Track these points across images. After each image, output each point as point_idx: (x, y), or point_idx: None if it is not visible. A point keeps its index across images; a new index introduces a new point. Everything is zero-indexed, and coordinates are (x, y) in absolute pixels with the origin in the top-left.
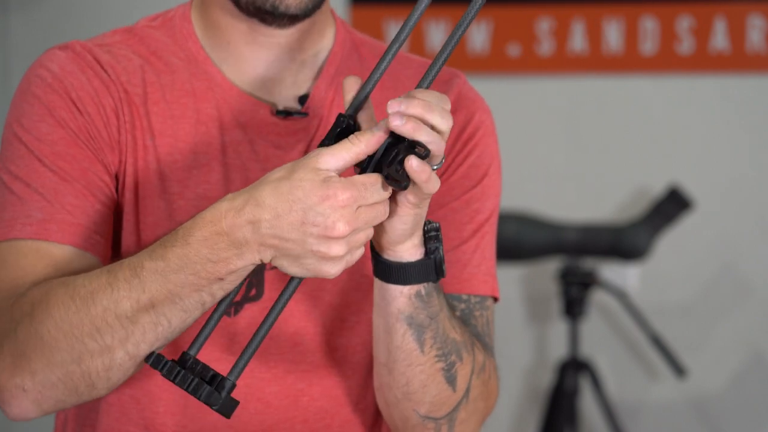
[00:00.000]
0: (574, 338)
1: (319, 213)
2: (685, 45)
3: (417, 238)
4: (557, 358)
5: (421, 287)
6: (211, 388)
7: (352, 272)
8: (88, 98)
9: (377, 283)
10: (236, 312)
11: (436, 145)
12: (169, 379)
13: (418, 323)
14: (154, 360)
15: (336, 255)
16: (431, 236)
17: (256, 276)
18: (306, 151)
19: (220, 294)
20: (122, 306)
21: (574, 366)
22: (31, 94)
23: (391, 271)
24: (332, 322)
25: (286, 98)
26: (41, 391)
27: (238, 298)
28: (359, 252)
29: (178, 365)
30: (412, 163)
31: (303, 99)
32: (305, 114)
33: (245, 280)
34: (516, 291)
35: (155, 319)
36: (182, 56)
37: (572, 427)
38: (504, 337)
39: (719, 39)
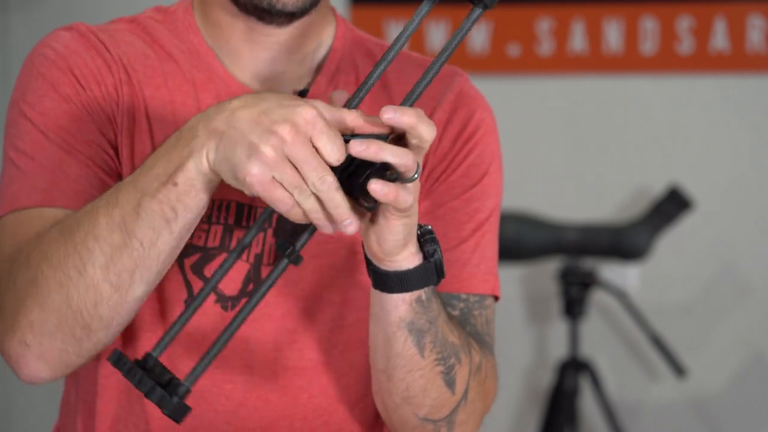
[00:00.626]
0: (574, 338)
1: (278, 111)
2: (685, 45)
3: (413, 246)
4: (557, 358)
5: (421, 292)
6: (164, 392)
7: (351, 270)
8: (91, 76)
9: (375, 294)
10: (233, 306)
11: (406, 161)
12: (128, 380)
13: (419, 328)
14: (116, 359)
15: (264, 153)
16: (427, 239)
17: (254, 272)
18: None
19: (180, 208)
20: (99, 224)
21: (574, 366)
22: (36, 72)
23: (391, 281)
24: (332, 320)
25: (286, 93)
26: (41, 342)
27: (235, 292)
28: (279, 192)
29: (139, 366)
30: (374, 188)
31: (302, 94)
32: None
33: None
34: (516, 291)
35: (128, 241)
36: (184, 48)
37: (572, 427)
38: (504, 337)
39: (719, 39)
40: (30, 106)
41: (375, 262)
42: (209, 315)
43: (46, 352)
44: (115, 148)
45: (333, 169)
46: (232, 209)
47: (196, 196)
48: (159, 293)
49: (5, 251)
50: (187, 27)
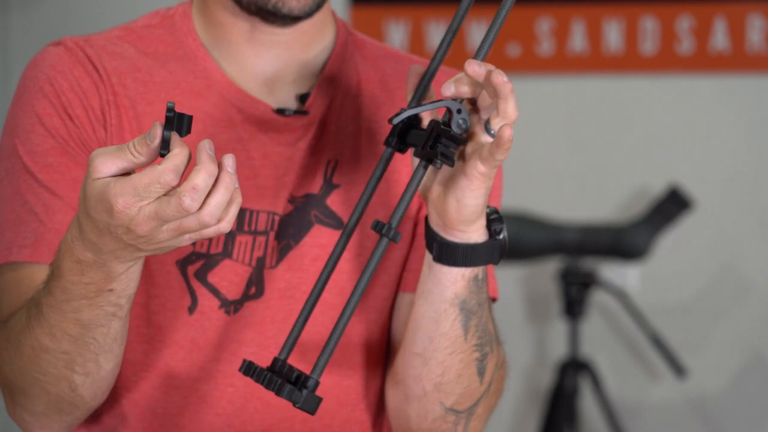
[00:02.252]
0: (574, 338)
1: (116, 225)
2: (685, 45)
3: (484, 218)
4: (557, 358)
5: (479, 271)
6: (293, 387)
7: (354, 273)
8: (77, 101)
9: (434, 268)
10: (236, 310)
11: (515, 107)
12: (259, 383)
13: (469, 309)
14: (246, 368)
15: (167, 244)
16: (494, 218)
17: (257, 276)
18: (306, 149)
19: (123, 301)
20: (44, 342)
21: (574, 366)
22: (25, 101)
23: (458, 253)
24: (332, 322)
25: (287, 97)
26: (39, 419)
27: (238, 296)
28: (212, 230)
29: (268, 370)
30: (507, 133)
31: (304, 98)
32: (306, 112)
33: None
34: (516, 291)
35: (81, 342)
36: (181, 54)
37: (572, 427)
38: (504, 337)
39: (719, 39)
40: (21, 142)
41: (442, 233)
42: (213, 320)
43: (45, 424)
44: None
45: (409, 136)
46: None
47: (136, 280)
48: (161, 303)
49: (2, 315)
50: (185, 32)
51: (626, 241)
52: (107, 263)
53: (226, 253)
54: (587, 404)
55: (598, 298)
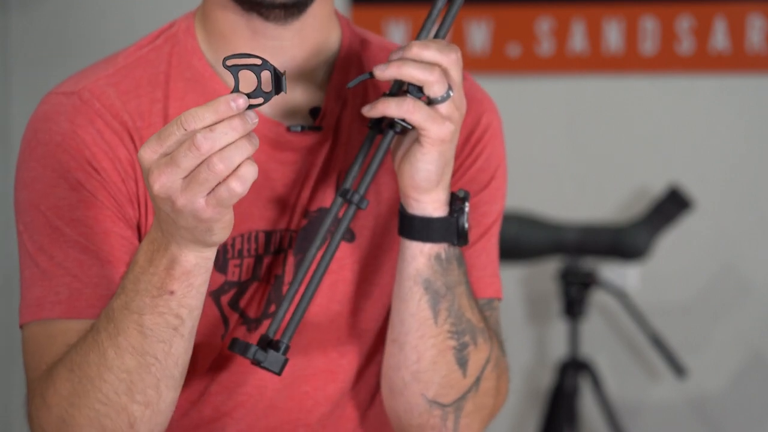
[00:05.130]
0: (574, 338)
1: (150, 186)
2: (685, 45)
3: (443, 192)
4: (557, 358)
5: (441, 250)
6: (258, 348)
7: (362, 282)
8: (102, 154)
9: (401, 245)
10: (256, 328)
11: (429, 74)
12: (236, 352)
13: (435, 290)
14: (230, 344)
15: (192, 209)
16: (457, 199)
17: (275, 293)
18: (319, 164)
19: (184, 313)
20: (108, 356)
21: (574, 366)
22: (41, 155)
23: (414, 225)
24: (340, 329)
25: (297, 111)
26: None
27: (258, 314)
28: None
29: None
30: (383, 106)
31: (314, 111)
32: (319, 128)
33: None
34: (516, 291)
35: (142, 360)
36: (188, 75)
37: (572, 427)
38: (504, 337)
39: (719, 39)
40: (42, 197)
41: (404, 205)
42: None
43: None
44: (135, 226)
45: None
46: (260, 239)
47: (198, 291)
48: (198, 333)
49: (34, 373)
50: (190, 51)
51: (626, 241)
52: (169, 245)
53: (256, 277)
54: (587, 404)
55: (598, 298)
